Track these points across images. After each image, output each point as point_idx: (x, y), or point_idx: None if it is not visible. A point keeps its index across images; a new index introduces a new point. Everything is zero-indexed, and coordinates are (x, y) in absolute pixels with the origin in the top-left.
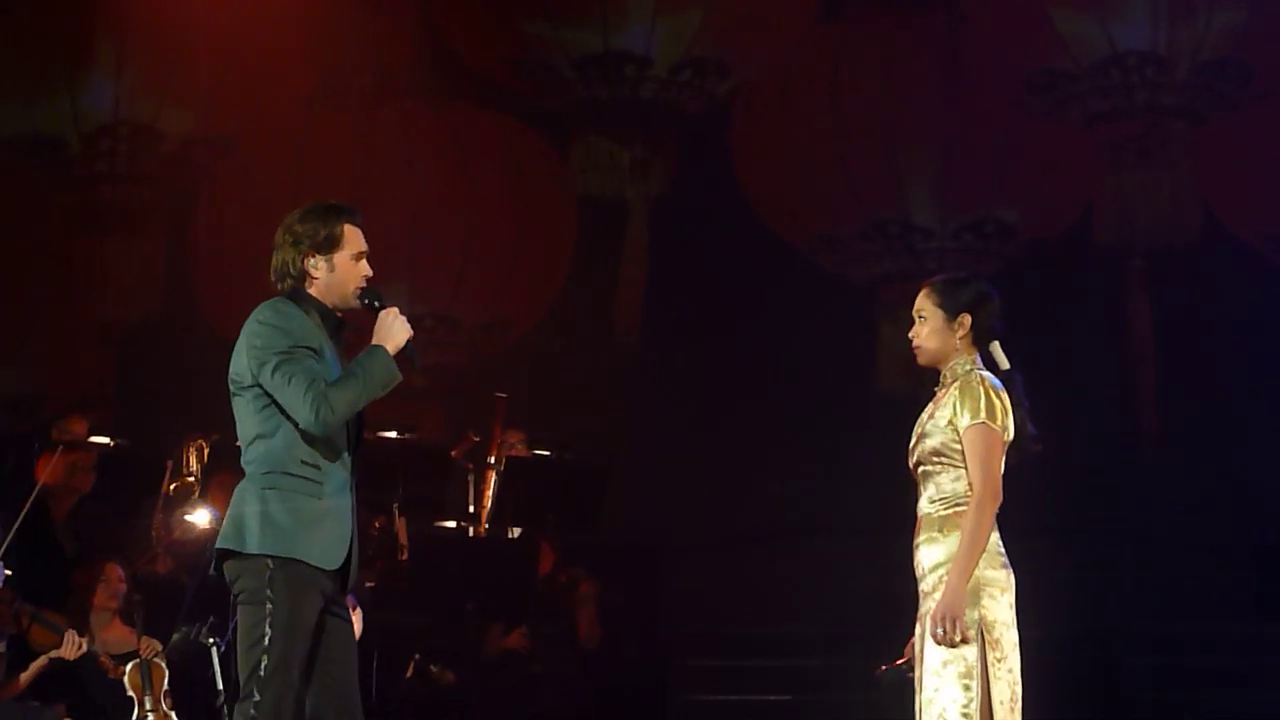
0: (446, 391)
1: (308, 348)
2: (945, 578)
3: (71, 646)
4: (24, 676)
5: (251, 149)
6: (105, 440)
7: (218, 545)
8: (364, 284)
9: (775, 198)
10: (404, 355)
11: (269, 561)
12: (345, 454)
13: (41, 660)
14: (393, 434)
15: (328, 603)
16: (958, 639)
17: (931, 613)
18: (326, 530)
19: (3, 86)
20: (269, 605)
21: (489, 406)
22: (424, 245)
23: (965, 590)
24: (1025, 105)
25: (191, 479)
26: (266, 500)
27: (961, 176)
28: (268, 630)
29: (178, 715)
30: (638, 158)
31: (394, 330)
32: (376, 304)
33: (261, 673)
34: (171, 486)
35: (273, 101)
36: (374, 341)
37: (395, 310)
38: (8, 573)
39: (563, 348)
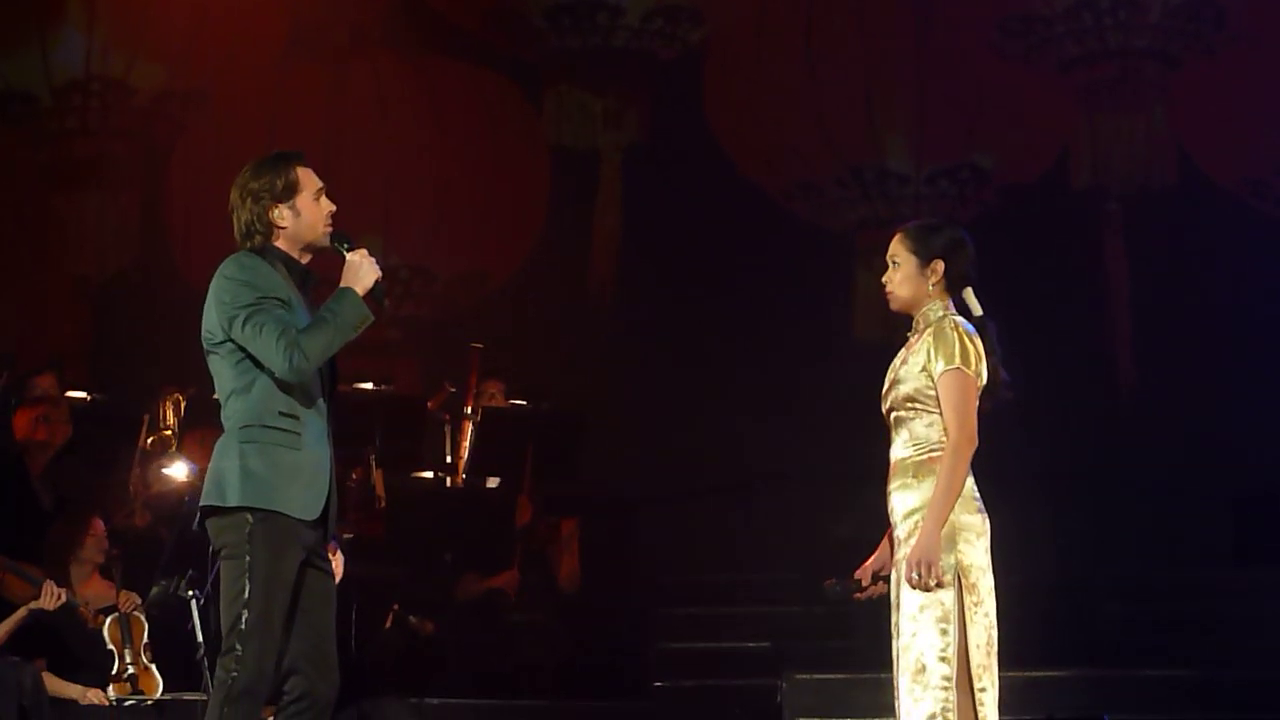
0: (422, 343)
1: (275, 298)
2: (920, 523)
3: (50, 597)
4: (2, 628)
5: (224, 102)
6: (81, 395)
7: (200, 503)
8: (330, 220)
9: (750, 146)
10: (373, 296)
11: (249, 515)
12: (321, 402)
13: (20, 612)
14: (369, 386)
15: (308, 554)
16: (933, 584)
17: (907, 557)
18: (305, 481)
19: None
20: (248, 559)
21: (464, 358)
22: (398, 197)
23: (940, 535)
24: (999, 50)
25: (168, 432)
26: (245, 454)
27: (936, 122)
28: (247, 584)
29: (157, 668)
30: (611, 107)
31: (362, 271)
32: (346, 246)
33: (243, 626)
34: (148, 440)
35: (245, 54)
36: (343, 284)
37: (364, 251)
38: None
39: (538, 298)
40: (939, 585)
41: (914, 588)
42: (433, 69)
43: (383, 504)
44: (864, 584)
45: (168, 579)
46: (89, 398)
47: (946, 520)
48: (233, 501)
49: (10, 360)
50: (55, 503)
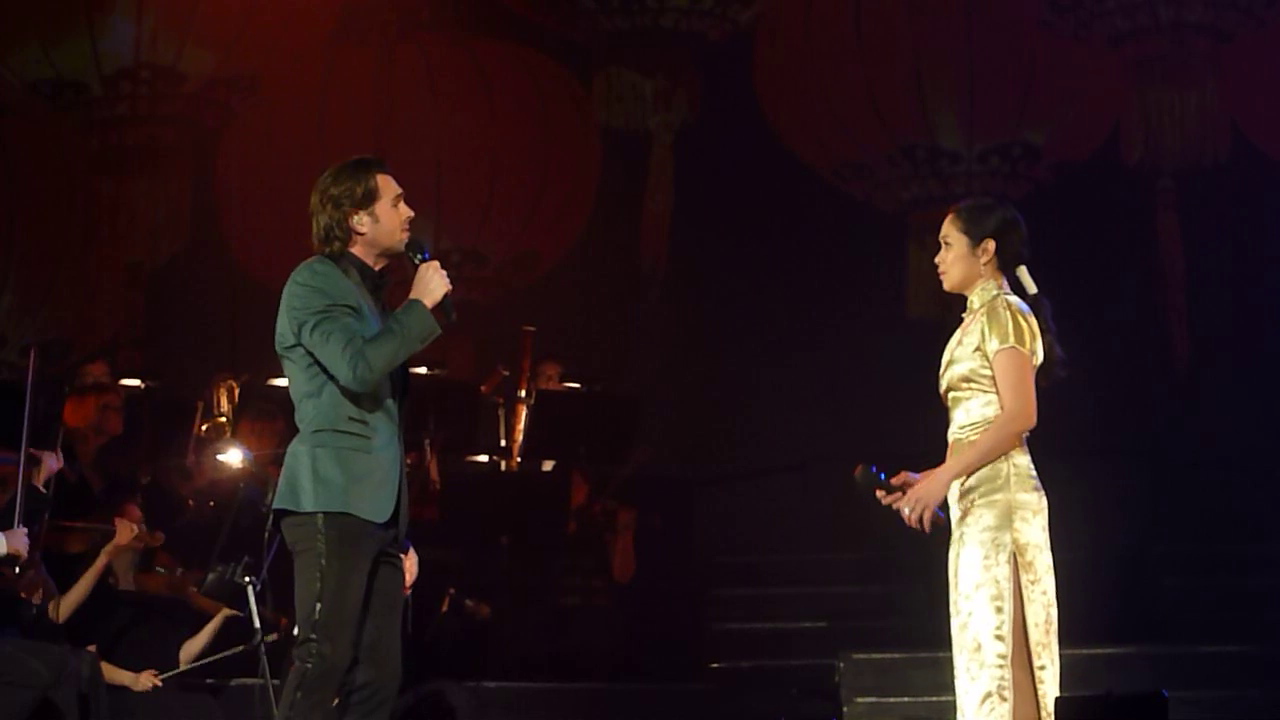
0: (474, 327)
1: (346, 305)
2: (976, 502)
3: (126, 531)
4: (89, 577)
5: (274, 87)
6: (135, 382)
7: (275, 505)
8: (408, 225)
9: (800, 125)
10: (441, 308)
11: (321, 517)
12: (391, 405)
13: (102, 558)
14: (422, 371)
15: (380, 551)
16: (917, 524)
17: (910, 490)
18: (376, 483)
19: (23, 31)
20: (322, 560)
21: (517, 341)
22: (449, 181)
23: (948, 485)
24: (1050, 26)
25: (223, 419)
26: (316, 458)
27: (987, 100)
28: (320, 580)
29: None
30: (660, 88)
31: (432, 284)
32: (420, 257)
33: (317, 617)
34: (203, 427)
35: (294, 39)
36: (412, 295)
37: (436, 264)
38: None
39: (590, 281)
40: (924, 530)
41: (905, 519)
42: (482, 52)
43: (437, 488)
44: (892, 486)
45: (224, 565)
46: (143, 385)
47: (963, 476)
48: (307, 507)
49: (65, 347)
50: (106, 489)
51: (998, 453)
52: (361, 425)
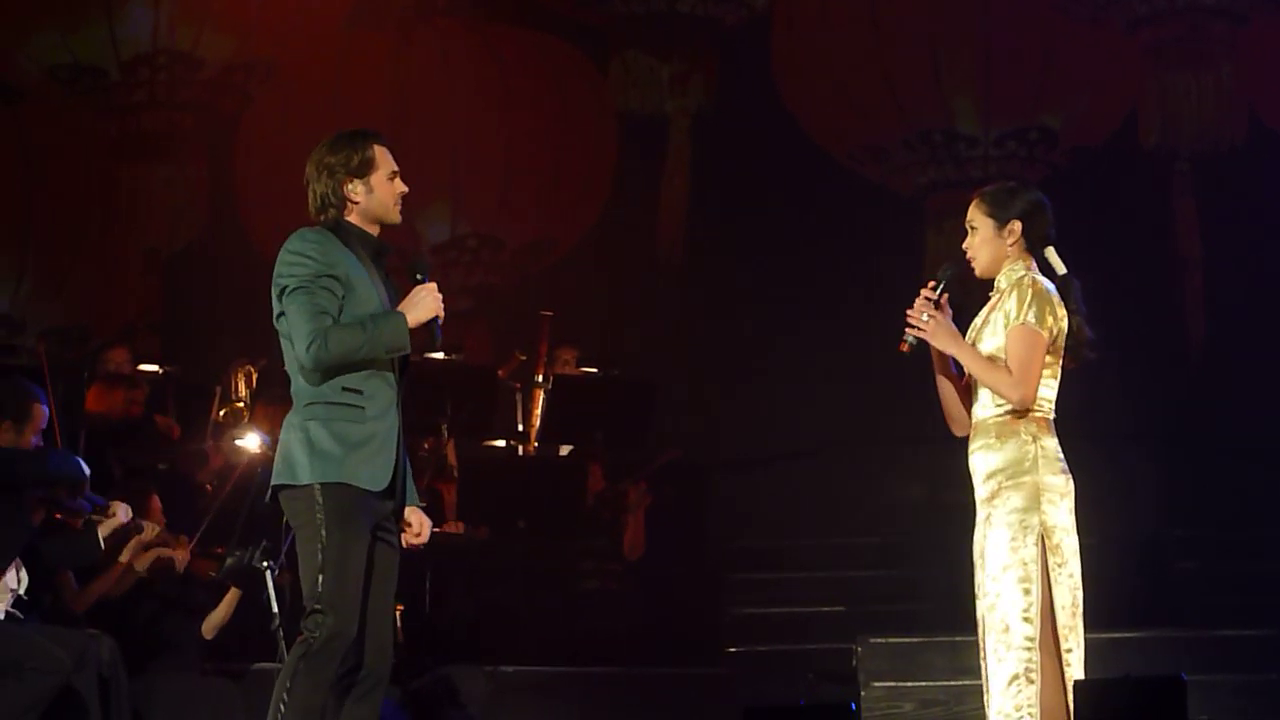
0: (492, 312)
1: (331, 276)
2: (1003, 485)
3: (150, 530)
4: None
5: (291, 73)
6: (153, 368)
7: (272, 481)
8: (401, 202)
9: (818, 109)
10: (427, 330)
11: (318, 489)
12: (390, 375)
13: (125, 555)
14: (439, 355)
15: (376, 526)
16: (913, 323)
17: (939, 314)
18: (371, 452)
19: (42, 17)
20: (323, 531)
21: (534, 326)
22: (465, 165)
23: (954, 348)
24: (1066, 10)
25: (240, 404)
26: (309, 430)
27: (1004, 83)
28: (321, 552)
29: (233, 638)
30: (677, 73)
31: (422, 305)
32: (420, 275)
33: (320, 589)
34: (221, 412)
35: (311, 25)
36: (403, 307)
37: (433, 287)
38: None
39: (607, 265)
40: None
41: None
42: (498, 36)
43: (455, 473)
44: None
45: (242, 550)
46: (161, 370)
47: (963, 358)
48: (303, 479)
49: (83, 332)
50: (125, 475)
51: (982, 379)
52: (356, 395)
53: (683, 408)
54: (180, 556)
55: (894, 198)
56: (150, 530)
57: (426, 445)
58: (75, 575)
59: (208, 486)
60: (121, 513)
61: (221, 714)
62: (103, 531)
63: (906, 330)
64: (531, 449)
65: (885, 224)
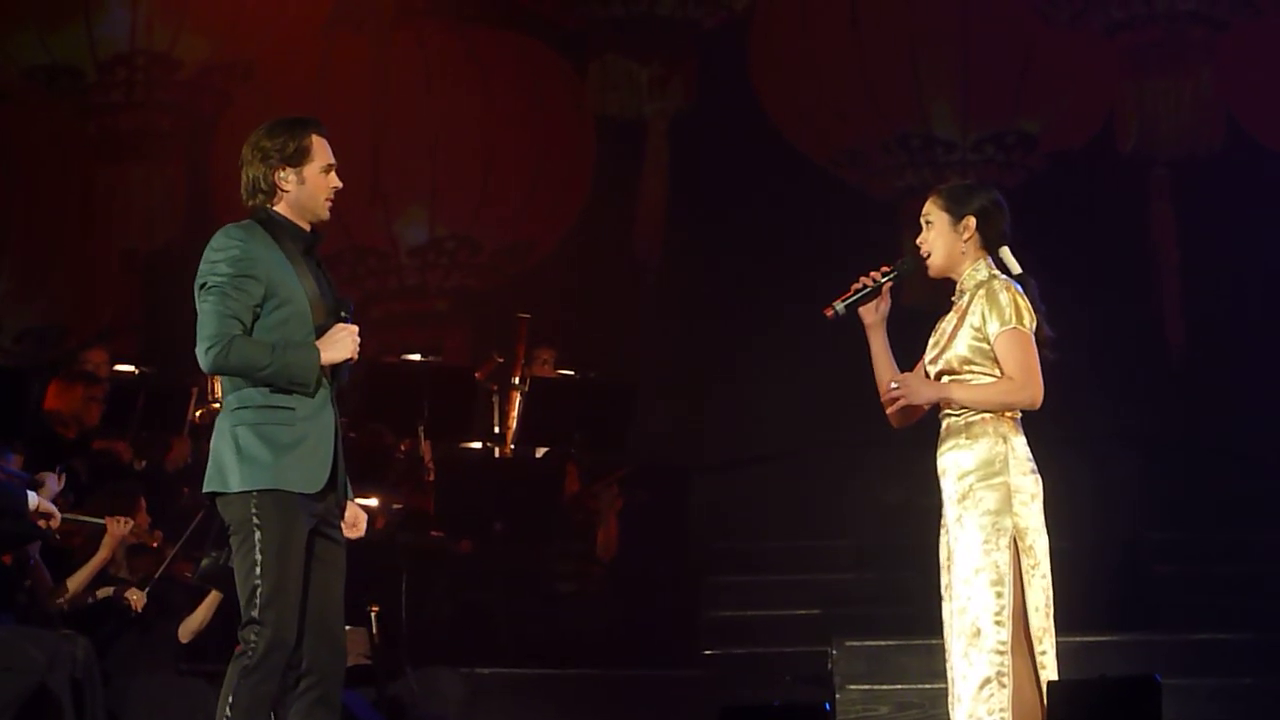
0: (469, 314)
1: (250, 276)
2: (975, 486)
3: (121, 525)
4: (86, 571)
5: (269, 74)
6: (130, 368)
7: (204, 488)
8: (332, 196)
9: (796, 113)
10: (336, 372)
11: (252, 494)
12: (321, 375)
13: (103, 552)
14: (417, 357)
15: (317, 524)
16: (889, 401)
17: (906, 378)
18: (304, 454)
19: (19, 17)
20: (257, 534)
21: (512, 328)
22: (444, 167)
23: (934, 398)
24: (1045, 15)
25: (217, 405)
26: (238, 435)
27: (982, 88)
28: (259, 557)
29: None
30: (656, 75)
31: (339, 345)
32: (344, 315)
33: (258, 599)
34: (198, 413)
35: (290, 26)
36: (321, 344)
37: (354, 330)
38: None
39: (585, 267)
40: (891, 400)
41: (889, 393)
42: (478, 38)
43: (431, 475)
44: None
45: (218, 551)
46: (138, 371)
47: (954, 397)
48: (234, 487)
49: (60, 333)
50: (92, 476)
51: (988, 406)
52: (284, 396)
53: (661, 409)
54: (136, 600)
55: (872, 201)
56: (124, 525)
57: (403, 446)
58: (51, 573)
59: (185, 488)
60: (51, 481)
61: (197, 715)
62: (35, 503)
63: (838, 300)
64: (508, 451)
65: (862, 227)
